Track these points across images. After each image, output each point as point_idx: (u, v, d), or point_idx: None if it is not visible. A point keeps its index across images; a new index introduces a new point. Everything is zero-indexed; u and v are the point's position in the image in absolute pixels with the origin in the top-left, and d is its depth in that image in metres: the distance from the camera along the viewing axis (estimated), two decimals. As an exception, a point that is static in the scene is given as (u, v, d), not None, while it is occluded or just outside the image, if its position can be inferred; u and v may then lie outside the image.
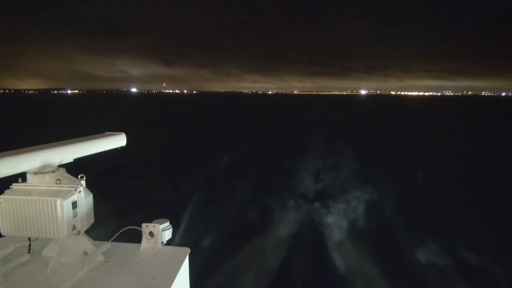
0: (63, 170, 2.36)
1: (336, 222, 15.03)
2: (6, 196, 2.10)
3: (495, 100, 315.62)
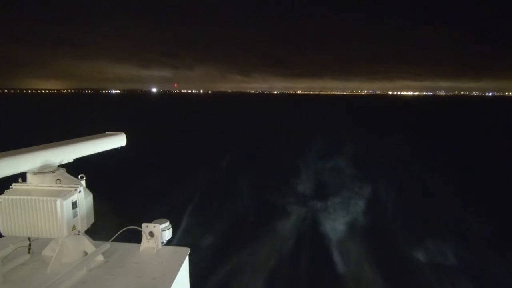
0: (63, 170, 2.36)
1: (336, 222, 15.02)
2: (6, 196, 2.09)
3: (484, 99, 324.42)
